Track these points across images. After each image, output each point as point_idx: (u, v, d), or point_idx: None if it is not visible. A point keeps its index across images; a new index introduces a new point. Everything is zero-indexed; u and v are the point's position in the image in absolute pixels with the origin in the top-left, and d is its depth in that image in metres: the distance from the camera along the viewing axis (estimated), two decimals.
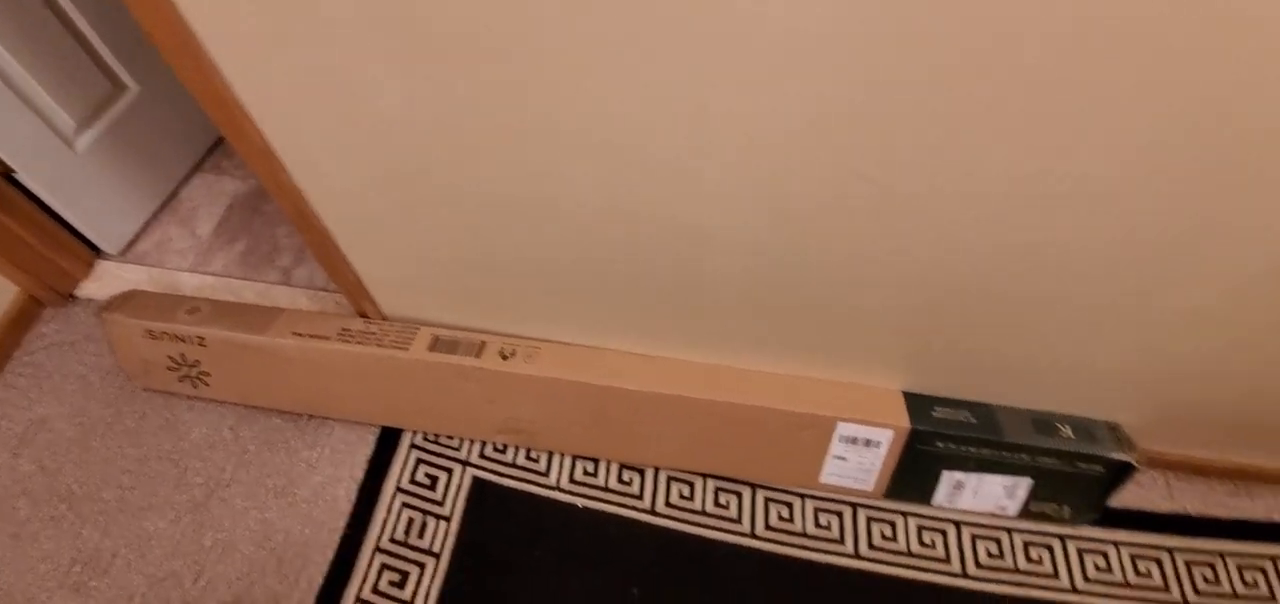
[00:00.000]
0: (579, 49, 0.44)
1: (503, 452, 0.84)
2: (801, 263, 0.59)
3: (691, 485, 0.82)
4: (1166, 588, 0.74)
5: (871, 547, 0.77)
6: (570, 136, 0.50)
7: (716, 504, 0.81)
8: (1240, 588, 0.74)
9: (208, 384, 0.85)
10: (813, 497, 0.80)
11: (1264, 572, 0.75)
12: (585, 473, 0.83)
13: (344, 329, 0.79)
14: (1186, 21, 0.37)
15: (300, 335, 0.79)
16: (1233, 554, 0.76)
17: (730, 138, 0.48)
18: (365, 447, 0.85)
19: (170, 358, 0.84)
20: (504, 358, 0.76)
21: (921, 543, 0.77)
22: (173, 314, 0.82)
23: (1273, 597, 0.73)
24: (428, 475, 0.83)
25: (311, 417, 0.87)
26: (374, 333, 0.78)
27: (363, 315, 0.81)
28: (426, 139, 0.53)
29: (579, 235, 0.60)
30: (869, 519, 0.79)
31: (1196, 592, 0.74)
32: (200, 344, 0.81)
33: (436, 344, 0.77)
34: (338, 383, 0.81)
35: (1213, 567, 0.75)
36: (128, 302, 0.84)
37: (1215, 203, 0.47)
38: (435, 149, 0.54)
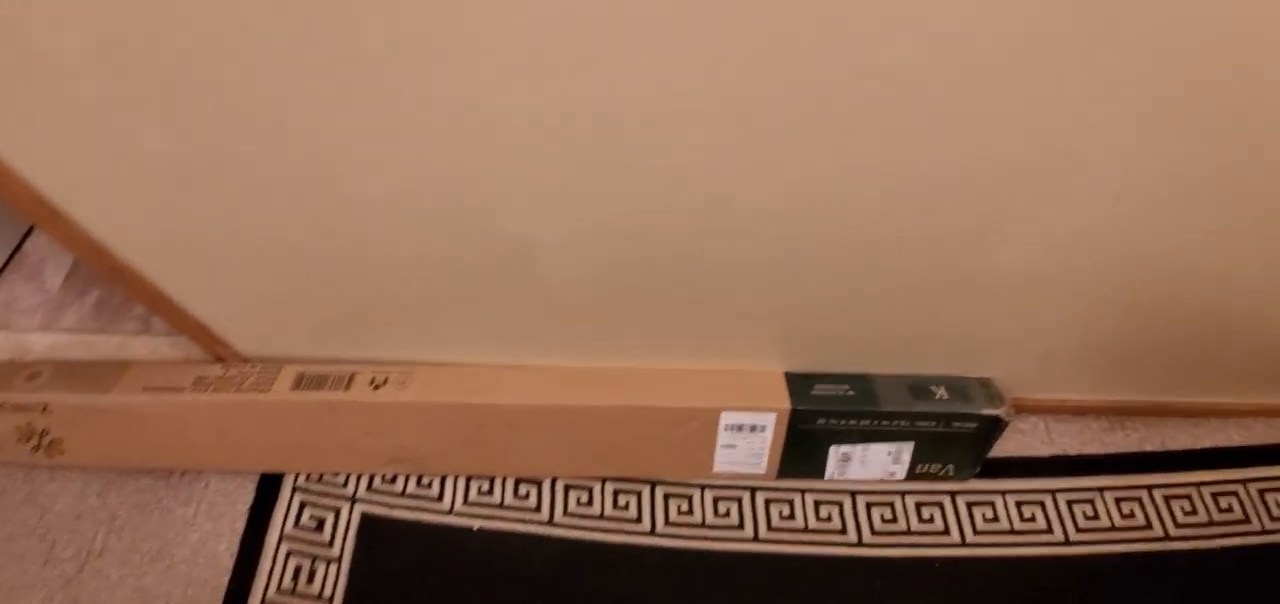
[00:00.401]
0: (349, 71, 0.41)
1: (392, 482, 0.81)
2: (646, 263, 0.57)
3: (590, 491, 0.80)
4: (1050, 529, 0.76)
5: (771, 528, 0.77)
6: (363, 161, 0.47)
7: (616, 506, 0.79)
8: (1118, 519, 0.77)
9: (63, 451, 0.79)
10: (710, 486, 0.80)
11: (1139, 501, 0.78)
12: (480, 493, 0.80)
13: (199, 377, 0.74)
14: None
15: (152, 390, 0.73)
16: (1109, 488, 0.79)
17: (519, 144, 0.46)
18: (244, 496, 0.81)
19: (18, 429, 0.77)
20: (375, 387, 0.73)
21: (819, 517, 0.78)
22: (10, 383, 0.75)
23: (1149, 524, 0.76)
24: (313, 518, 0.79)
25: (184, 471, 0.82)
26: (233, 377, 0.73)
27: (220, 360, 0.76)
28: (215, 181, 0.49)
29: (407, 259, 0.57)
30: (767, 501, 0.79)
31: (1078, 528, 0.76)
32: (44, 411, 0.75)
33: (301, 382, 0.73)
34: (202, 434, 0.76)
35: (1092, 502, 0.78)
36: None
37: (1021, 180, 0.48)
38: (229, 190, 0.50)
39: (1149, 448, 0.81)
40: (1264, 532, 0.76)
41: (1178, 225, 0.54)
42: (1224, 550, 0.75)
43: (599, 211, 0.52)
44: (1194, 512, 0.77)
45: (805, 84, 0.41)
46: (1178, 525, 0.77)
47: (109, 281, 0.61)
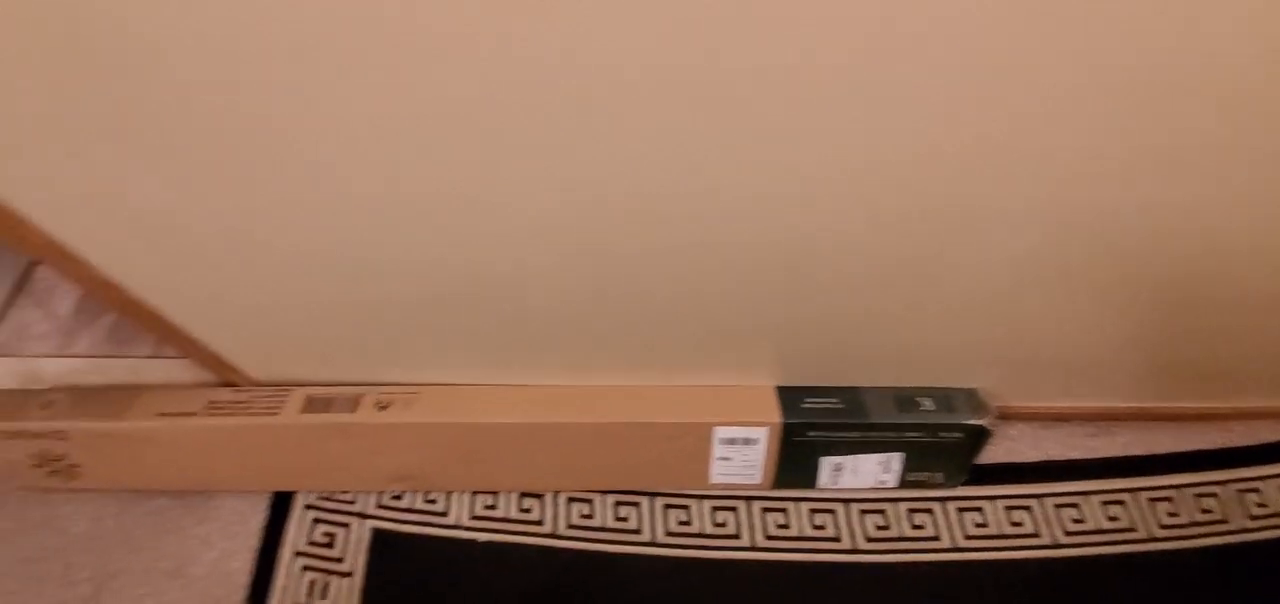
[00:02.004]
0: (345, 115, 0.43)
1: (400, 498, 0.83)
2: (633, 291, 0.59)
3: (591, 503, 0.83)
4: (1038, 533, 0.79)
5: (768, 537, 0.80)
6: (358, 202, 0.50)
7: (617, 518, 0.82)
8: (1104, 522, 0.79)
9: (81, 475, 0.82)
10: (708, 496, 0.82)
11: (1124, 504, 0.80)
12: (485, 507, 0.83)
13: (211, 401, 0.76)
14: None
15: (165, 415, 0.76)
16: (1096, 492, 0.81)
17: (506, 188, 0.48)
18: (258, 514, 0.83)
19: (33, 455, 0.80)
20: (380, 409, 0.75)
21: (814, 526, 0.80)
22: (25, 411, 0.78)
23: (1133, 526, 0.79)
24: (325, 534, 0.81)
25: (199, 492, 0.85)
26: (243, 401, 0.76)
27: (231, 384, 0.78)
28: (216, 228, 0.52)
29: (402, 293, 0.60)
30: (763, 510, 0.81)
31: (1065, 533, 0.79)
32: (61, 438, 0.77)
33: (310, 405, 0.75)
34: (215, 457, 0.78)
35: (1078, 506, 0.80)
36: None
37: (979, 195, 0.50)
38: (230, 235, 0.53)
39: (1134, 452, 0.84)
40: (1242, 530, 0.79)
41: (1149, 234, 0.55)
42: (1204, 549, 0.78)
43: (583, 246, 0.54)
44: (1177, 513, 0.80)
45: (777, 115, 0.44)
46: (1161, 527, 0.79)
47: (121, 315, 0.63)
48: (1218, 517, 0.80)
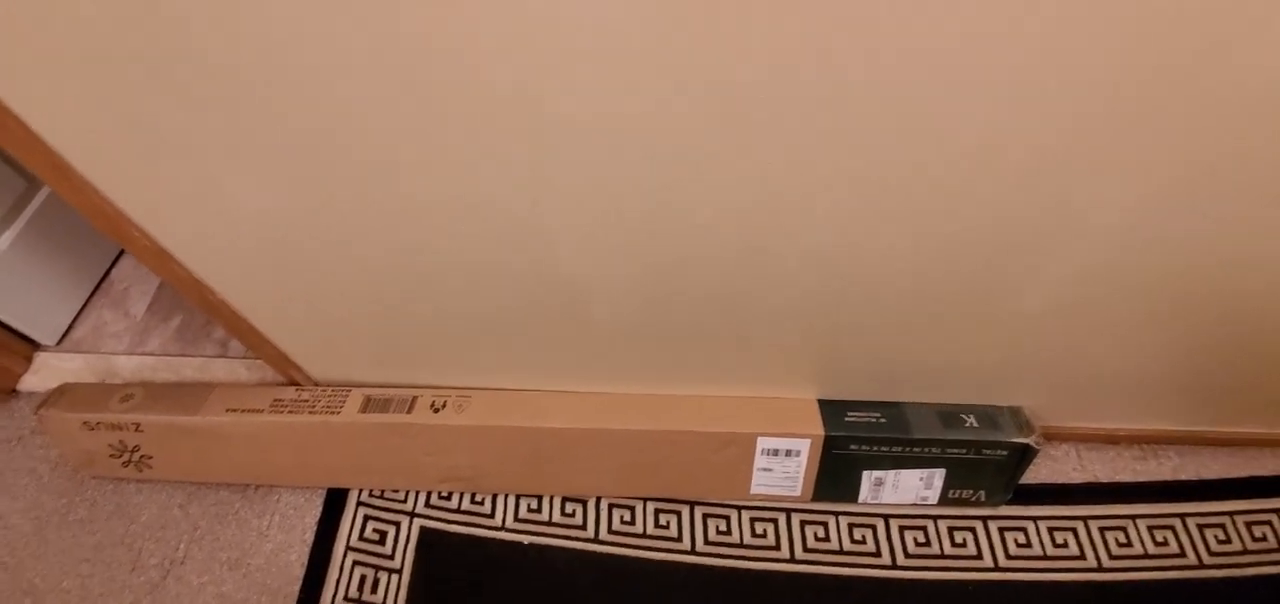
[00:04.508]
0: (424, 136, 0.47)
1: (448, 499, 0.86)
2: (683, 303, 0.62)
3: (632, 510, 0.84)
4: (1083, 556, 0.78)
5: (806, 549, 0.81)
6: (431, 212, 0.53)
7: (657, 525, 0.83)
8: (1151, 547, 0.78)
9: (152, 466, 0.87)
10: (747, 507, 0.83)
11: (1172, 529, 0.79)
12: (529, 510, 0.85)
13: (276, 400, 0.80)
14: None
15: (233, 411, 0.80)
16: (1143, 516, 0.80)
17: (571, 200, 0.51)
18: (313, 509, 0.87)
19: (111, 446, 0.85)
20: (435, 411, 0.78)
21: (853, 540, 0.81)
22: (106, 404, 0.83)
23: (1182, 552, 0.78)
24: (376, 531, 0.85)
25: (259, 486, 0.89)
26: (306, 400, 0.80)
27: (294, 384, 0.83)
28: (302, 230, 0.56)
29: (466, 297, 0.63)
30: (802, 523, 0.82)
31: (1110, 556, 0.78)
32: (137, 430, 0.82)
33: (368, 405, 0.79)
34: (277, 453, 0.83)
35: (1125, 530, 0.79)
36: (62, 396, 0.85)
37: (1038, 217, 0.51)
38: (313, 237, 0.57)
39: (1183, 477, 0.83)
40: None
41: (1200, 255, 0.56)
42: (1256, 578, 0.76)
43: (646, 256, 0.57)
44: (1228, 540, 0.78)
45: (834, 148, 0.46)
46: (1212, 553, 0.78)
47: (206, 314, 0.68)
48: (1272, 545, 0.78)
